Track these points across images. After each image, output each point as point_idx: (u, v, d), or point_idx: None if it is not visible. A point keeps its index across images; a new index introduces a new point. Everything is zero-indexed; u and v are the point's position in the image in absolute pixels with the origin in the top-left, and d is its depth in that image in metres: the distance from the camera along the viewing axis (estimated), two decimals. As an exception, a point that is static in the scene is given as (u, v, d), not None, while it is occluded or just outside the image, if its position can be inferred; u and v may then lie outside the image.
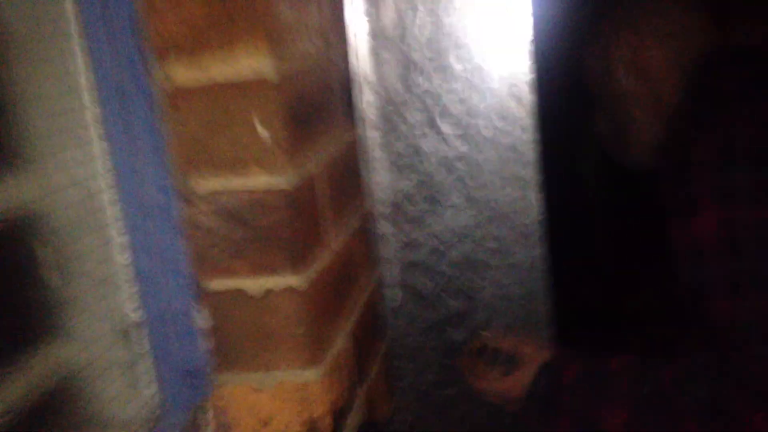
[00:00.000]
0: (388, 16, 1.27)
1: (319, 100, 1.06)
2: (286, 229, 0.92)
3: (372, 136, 1.32)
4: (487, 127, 1.30)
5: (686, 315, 1.12)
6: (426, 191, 1.34)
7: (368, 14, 1.27)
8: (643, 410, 1.11)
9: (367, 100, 1.30)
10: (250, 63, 0.88)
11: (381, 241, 1.35)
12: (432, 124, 1.31)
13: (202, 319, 0.95)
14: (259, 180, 0.91)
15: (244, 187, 0.91)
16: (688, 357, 1.09)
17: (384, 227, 1.35)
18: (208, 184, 0.92)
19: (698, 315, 1.07)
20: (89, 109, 0.90)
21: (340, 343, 1.07)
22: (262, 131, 0.90)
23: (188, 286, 0.94)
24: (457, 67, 1.28)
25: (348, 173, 1.20)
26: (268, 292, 0.94)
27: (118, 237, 0.93)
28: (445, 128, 1.30)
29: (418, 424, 1.42)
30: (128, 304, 0.94)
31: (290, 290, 0.93)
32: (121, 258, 0.93)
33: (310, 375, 0.96)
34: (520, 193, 1.31)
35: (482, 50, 1.26)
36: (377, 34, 1.28)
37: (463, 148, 1.31)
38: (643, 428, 1.11)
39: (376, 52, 1.29)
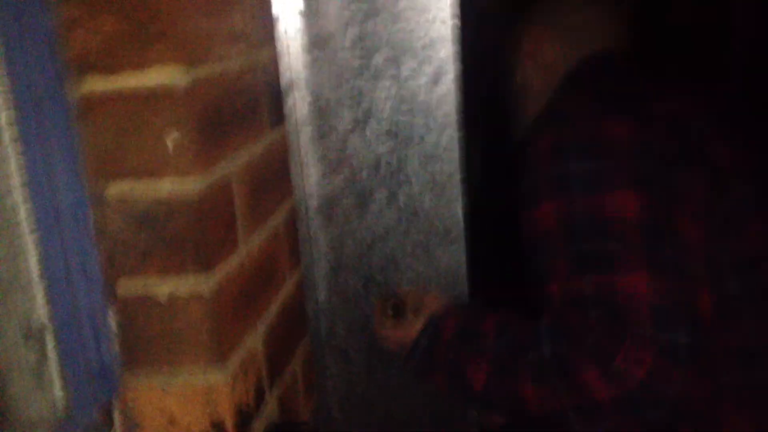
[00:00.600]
0: (319, 19, 1.29)
1: (237, 105, 1.07)
2: (192, 233, 0.94)
3: (301, 136, 1.34)
4: (413, 127, 1.32)
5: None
6: (353, 191, 1.36)
7: (299, 17, 1.28)
8: (499, 368, 1.17)
9: (296, 101, 1.32)
10: (159, 73, 0.89)
11: (308, 240, 1.37)
12: (359, 124, 1.32)
13: (111, 320, 0.97)
14: (165, 185, 0.93)
15: (151, 192, 0.93)
16: (535, 323, 1.16)
17: (312, 227, 1.37)
18: (118, 188, 0.93)
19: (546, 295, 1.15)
20: (3, 112, 0.91)
21: (251, 344, 1.09)
22: (170, 138, 0.91)
23: (98, 288, 0.95)
24: (384, 68, 1.29)
25: (271, 174, 1.22)
26: (175, 294, 0.95)
27: (28, 238, 0.94)
28: (371, 129, 1.32)
29: (344, 422, 1.45)
30: (37, 305, 0.95)
31: (196, 293, 0.95)
32: (32, 259, 0.94)
33: (216, 377, 0.98)
34: (443, 193, 1.34)
35: (407, 51, 1.28)
36: (308, 37, 1.30)
37: (389, 148, 1.33)
38: (499, 384, 1.16)
39: (306, 55, 1.30)
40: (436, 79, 1.28)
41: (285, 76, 1.30)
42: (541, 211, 1.16)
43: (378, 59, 1.29)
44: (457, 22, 1.25)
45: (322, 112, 1.33)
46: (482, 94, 1.44)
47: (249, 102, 1.13)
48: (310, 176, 1.35)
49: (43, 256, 0.95)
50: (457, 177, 1.33)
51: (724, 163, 1.20)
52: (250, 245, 1.11)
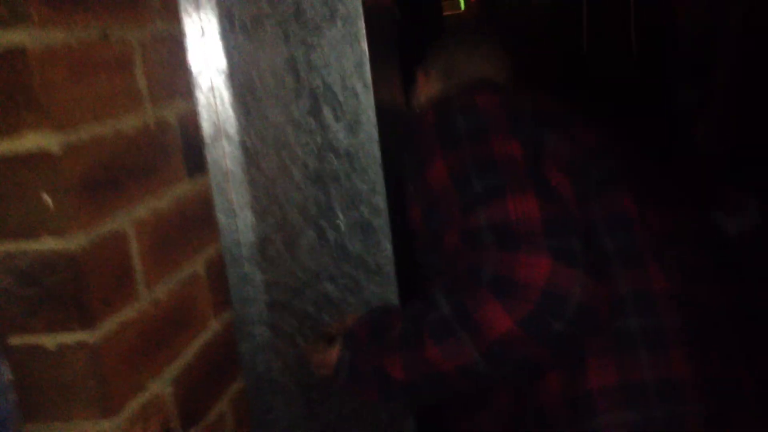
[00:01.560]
0: (243, 69, 1.34)
1: (136, 161, 1.13)
2: (75, 289, 0.99)
3: (232, 183, 1.39)
4: (338, 172, 1.35)
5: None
6: (283, 232, 1.40)
7: (224, 69, 1.34)
8: (407, 346, 1.20)
9: (224, 149, 1.37)
10: (32, 139, 0.95)
11: (243, 281, 1.42)
12: (285, 170, 1.37)
13: (5, 373, 1.03)
14: (47, 244, 0.98)
15: (33, 250, 0.99)
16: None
17: (246, 268, 1.42)
18: (2, 246, 0.99)
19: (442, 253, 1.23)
20: None
21: (156, 389, 1.13)
22: (48, 200, 0.97)
23: (-8, 341, 1.02)
24: (308, 115, 1.34)
25: (188, 222, 1.27)
26: (62, 347, 1.01)
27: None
28: (297, 175, 1.36)
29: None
30: (-60, 357, 1.02)
31: (82, 345, 1.01)
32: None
33: (108, 425, 1.03)
34: (371, 231, 1.37)
35: (328, 99, 1.32)
36: (233, 87, 1.35)
37: (315, 193, 1.37)
38: (412, 362, 1.19)
39: (231, 104, 1.35)
40: (355, 127, 1.32)
41: (210, 127, 1.35)
42: (435, 169, 1.23)
43: (299, 110, 1.33)
44: (370, 73, 1.29)
45: (249, 159, 1.37)
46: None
47: (155, 156, 1.18)
48: (241, 220, 1.40)
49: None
50: (384, 217, 1.36)
51: (588, 143, 1.30)
52: (156, 293, 1.16)
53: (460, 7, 6.00)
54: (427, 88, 1.57)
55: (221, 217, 1.39)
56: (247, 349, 1.45)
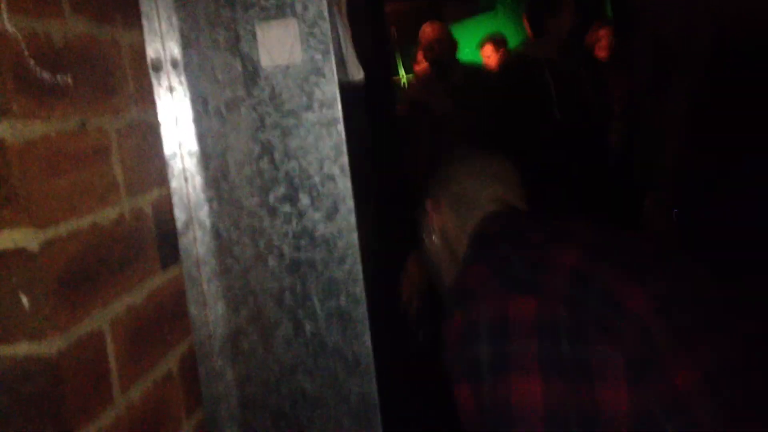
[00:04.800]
0: (214, 158, 1.30)
1: (113, 255, 1.07)
2: (50, 397, 0.92)
3: (204, 273, 1.33)
4: (315, 260, 1.31)
5: None
6: (257, 325, 1.34)
7: (194, 157, 1.29)
8: None
9: (196, 238, 1.31)
10: (9, 236, 0.89)
11: (214, 377, 1.35)
12: (260, 258, 1.32)
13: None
14: (21, 348, 0.91)
15: (8, 355, 0.91)
16: None
17: (216, 363, 1.35)
18: (-28, 353, 0.91)
19: None
20: None
21: (131, 501, 1.05)
22: (24, 300, 0.90)
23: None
24: (282, 203, 1.30)
25: (162, 316, 1.21)
26: (35, 460, 0.93)
27: None
28: (272, 263, 1.32)
29: None
30: None
31: (57, 459, 0.92)
32: None
33: None
34: (350, 323, 1.32)
35: (303, 187, 1.29)
36: (204, 176, 1.30)
37: (291, 282, 1.32)
38: None
39: (203, 192, 1.31)
40: (332, 214, 1.29)
41: (182, 214, 1.30)
42: (460, 392, 1.19)
43: (274, 196, 1.29)
44: (347, 159, 1.26)
45: (222, 248, 1.32)
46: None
47: (131, 247, 1.12)
48: (212, 312, 1.34)
49: None
50: (363, 307, 1.32)
51: (635, 305, 1.13)
52: (131, 396, 1.08)
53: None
54: (440, 220, 1.50)
55: (192, 310, 1.32)
56: (214, 450, 1.37)
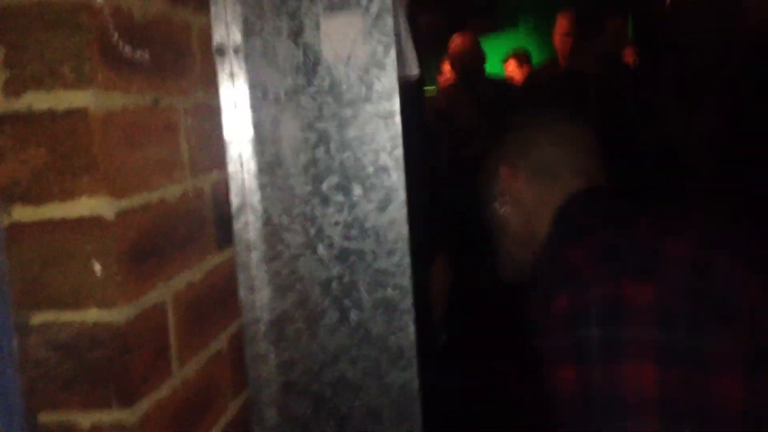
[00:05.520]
0: (270, 145, 1.32)
1: (177, 230, 1.09)
2: (116, 363, 0.93)
3: (254, 257, 1.35)
4: (364, 250, 1.32)
5: None
6: (303, 311, 1.35)
7: (251, 143, 1.31)
8: None
9: (247, 223, 1.33)
10: (85, 204, 0.91)
11: (257, 361, 1.36)
12: (310, 246, 1.33)
13: (30, 451, 0.95)
14: (90, 314, 0.93)
15: (76, 320, 0.93)
16: None
17: (261, 347, 1.36)
18: (43, 317, 0.93)
19: None
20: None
21: (183, 473, 1.06)
22: (96, 267, 0.92)
23: (18, 419, 0.94)
24: (334, 193, 1.31)
25: (216, 296, 1.22)
26: (97, 426, 0.94)
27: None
28: (322, 251, 1.33)
29: None
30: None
31: (119, 425, 0.94)
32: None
33: None
34: (395, 314, 1.33)
35: (356, 178, 1.30)
36: (259, 162, 1.32)
37: (339, 271, 1.33)
38: None
39: (257, 178, 1.33)
40: (384, 205, 1.30)
41: (236, 198, 1.32)
42: (562, 374, 1.14)
43: (328, 185, 1.31)
44: (402, 151, 1.28)
45: (273, 233, 1.34)
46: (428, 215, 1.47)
47: (192, 226, 1.14)
48: (260, 296, 1.35)
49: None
50: (409, 299, 1.33)
51: (755, 297, 1.13)
52: (186, 371, 1.10)
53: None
54: (516, 188, 1.42)
55: (241, 293, 1.34)
56: (254, 432, 1.38)
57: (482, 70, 4.40)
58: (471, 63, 4.21)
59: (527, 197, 1.42)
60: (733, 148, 2.65)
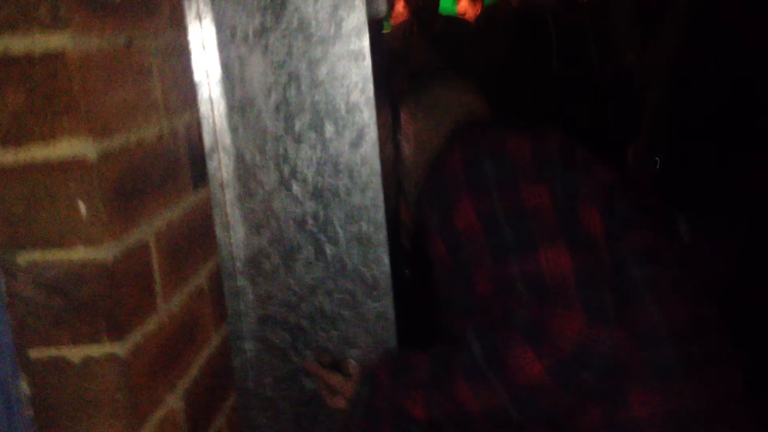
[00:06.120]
0: (241, 84, 1.33)
1: (156, 170, 1.11)
2: (105, 299, 0.96)
3: (228, 196, 1.37)
4: (338, 187, 1.36)
5: None
6: (279, 247, 1.39)
7: (221, 83, 1.33)
8: (435, 385, 1.24)
9: (221, 163, 1.36)
10: (68, 145, 0.93)
11: (236, 295, 1.40)
12: (284, 184, 1.36)
13: (23, 387, 0.98)
14: (77, 253, 0.95)
15: (63, 259, 0.96)
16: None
17: (239, 282, 1.40)
18: (29, 256, 0.96)
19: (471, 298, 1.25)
20: None
21: (172, 403, 1.11)
22: (82, 207, 0.94)
23: (9, 355, 0.97)
24: (307, 131, 1.34)
25: (194, 234, 1.25)
26: (88, 360, 0.98)
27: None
28: (296, 188, 1.36)
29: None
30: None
31: (111, 358, 0.98)
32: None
33: (132, 439, 1.00)
34: (370, 247, 1.38)
35: (329, 116, 1.33)
36: (231, 101, 1.34)
37: (314, 208, 1.37)
38: (438, 400, 1.23)
39: (229, 118, 1.34)
40: (357, 142, 1.33)
41: (208, 138, 1.34)
42: (461, 211, 1.25)
43: (300, 123, 1.34)
44: (373, 89, 1.31)
45: (246, 173, 1.37)
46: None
47: (169, 166, 1.16)
48: (236, 234, 1.39)
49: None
50: (383, 232, 1.38)
51: (609, 181, 1.33)
52: (171, 305, 1.13)
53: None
54: (416, 126, 1.55)
55: (218, 231, 1.37)
56: (238, 365, 1.43)
57: (435, 8, 4.36)
58: (424, 2, 4.18)
59: (424, 133, 1.53)
60: (687, 77, 2.71)
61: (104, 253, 0.95)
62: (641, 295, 1.23)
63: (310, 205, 1.37)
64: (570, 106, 3.20)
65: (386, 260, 1.38)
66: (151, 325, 1.06)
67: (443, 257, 1.31)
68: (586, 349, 1.08)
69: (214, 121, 1.35)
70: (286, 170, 1.36)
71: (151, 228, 1.08)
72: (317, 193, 1.37)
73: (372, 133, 1.34)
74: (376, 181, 1.35)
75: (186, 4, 1.30)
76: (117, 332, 0.97)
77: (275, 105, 1.34)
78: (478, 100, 1.60)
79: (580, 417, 1.22)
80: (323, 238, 1.39)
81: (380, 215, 1.37)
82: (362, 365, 1.39)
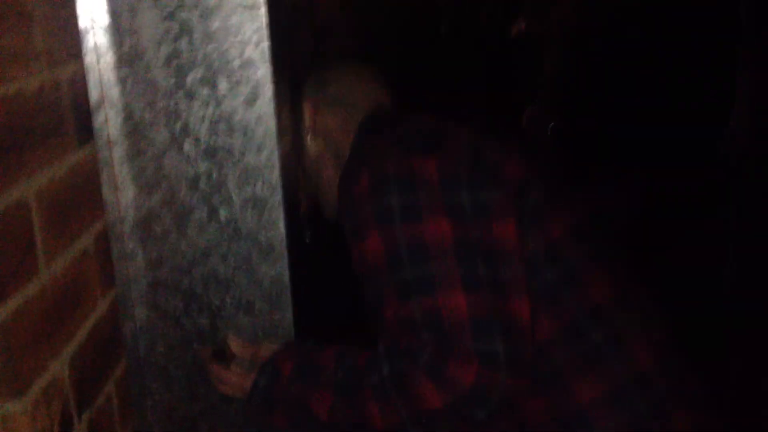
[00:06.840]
0: (130, 35, 1.26)
1: (37, 125, 1.04)
2: (-19, 262, 0.90)
3: (116, 154, 1.31)
4: (232, 147, 1.31)
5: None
6: (171, 208, 1.34)
7: (108, 33, 1.25)
8: (342, 394, 1.24)
9: (107, 118, 1.29)
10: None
11: (124, 259, 1.34)
12: (175, 142, 1.31)
13: None
14: (-50, 212, 0.89)
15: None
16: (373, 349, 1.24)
17: (128, 245, 1.34)
18: None
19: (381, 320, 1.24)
20: None
21: (55, 371, 1.05)
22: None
23: None
24: (200, 87, 1.29)
25: (79, 194, 1.19)
26: (-36, 325, 0.91)
27: None
28: (188, 147, 1.31)
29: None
30: None
31: (-11, 323, 0.92)
32: None
33: (14, 407, 0.95)
34: (264, 210, 1.34)
35: (223, 71, 1.28)
36: (118, 53, 1.27)
37: (207, 168, 1.32)
38: (345, 410, 1.24)
39: (116, 71, 1.27)
40: (252, 100, 1.29)
41: (95, 92, 1.27)
42: (368, 244, 1.23)
43: (192, 78, 1.28)
44: (269, 44, 1.26)
45: (135, 129, 1.30)
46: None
47: (51, 120, 1.09)
48: (124, 194, 1.32)
49: None
50: (279, 195, 1.34)
51: (517, 174, 1.31)
52: (53, 269, 1.07)
53: None
54: (320, 120, 1.49)
55: (105, 191, 1.31)
56: (129, 331, 1.37)
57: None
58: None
59: (333, 128, 1.49)
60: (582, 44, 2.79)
61: (-20, 211, 0.89)
62: (563, 286, 1.27)
63: (202, 165, 1.32)
64: (460, 71, 3.23)
65: (282, 223, 1.35)
66: (32, 288, 1.00)
67: (358, 269, 1.30)
68: (480, 394, 1.14)
69: (100, 74, 1.28)
70: (178, 128, 1.31)
71: (31, 186, 1.01)
72: (210, 153, 1.32)
73: (267, 92, 1.29)
74: (272, 141, 1.31)
75: (68, -52, 1.22)
76: (-5, 296, 0.91)
77: (166, 58, 1.28)
78: (383, 89, 1.56)
79: (525, 407, 1.26)
80: (217, 199, 1.34)
81: (275, 177, 1.33)
82: (246, 342, 1.37)
